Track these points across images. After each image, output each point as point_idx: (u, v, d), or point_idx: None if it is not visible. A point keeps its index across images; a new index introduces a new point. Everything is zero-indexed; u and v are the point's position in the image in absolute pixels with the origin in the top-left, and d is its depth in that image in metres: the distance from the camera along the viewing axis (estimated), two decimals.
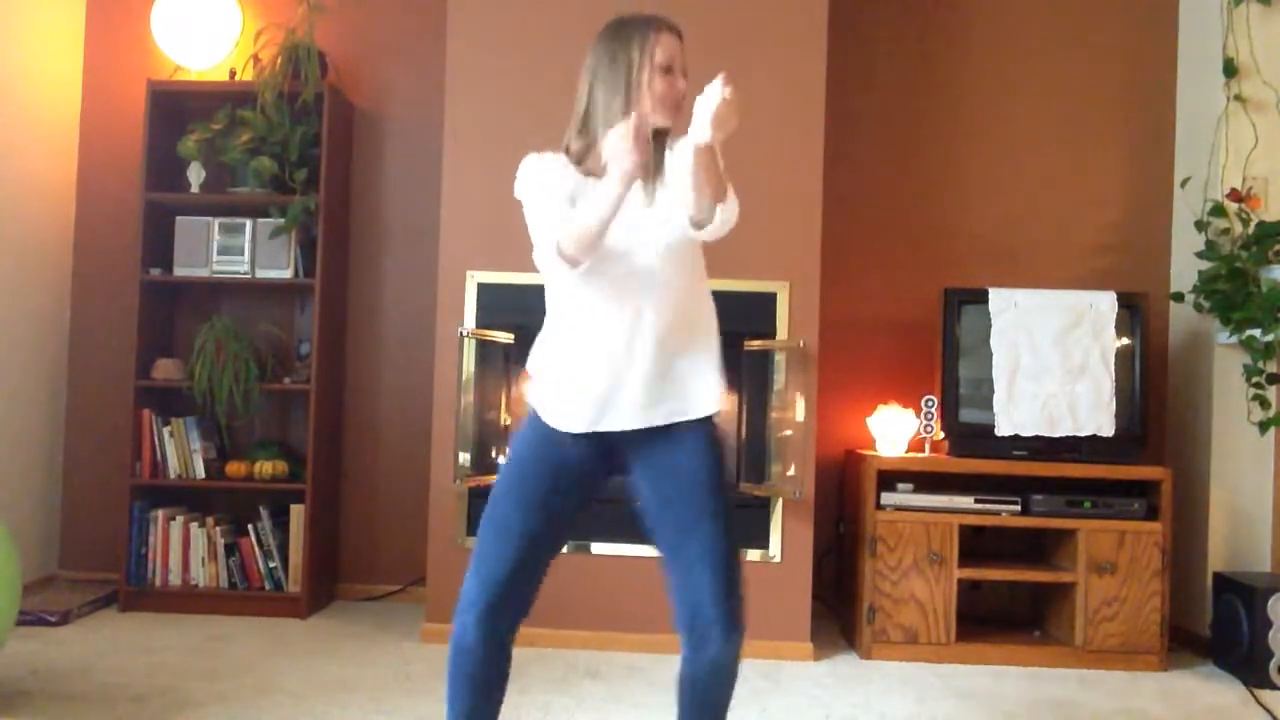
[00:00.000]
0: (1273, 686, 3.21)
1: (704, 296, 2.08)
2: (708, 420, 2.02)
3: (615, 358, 1.96)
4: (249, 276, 3.82)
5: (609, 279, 1.95)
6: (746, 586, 1.97)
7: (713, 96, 1.77)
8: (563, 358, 2.02)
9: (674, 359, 1.99)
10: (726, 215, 1.95)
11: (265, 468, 3.77)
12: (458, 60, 3.50)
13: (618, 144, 1.82)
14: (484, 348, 3.46)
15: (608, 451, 2.01)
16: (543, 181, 1.98)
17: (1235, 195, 3.61)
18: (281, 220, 3.75)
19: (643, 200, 1.98)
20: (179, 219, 3.84)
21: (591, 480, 2.05)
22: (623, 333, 1.96)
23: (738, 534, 2.01)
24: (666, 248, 1.97)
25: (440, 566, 3.44)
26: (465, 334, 3.42)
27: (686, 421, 2.00)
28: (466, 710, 1.99)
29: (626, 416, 1.97)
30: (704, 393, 2.01)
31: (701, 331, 2.04)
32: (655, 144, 1.99)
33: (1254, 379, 3.52)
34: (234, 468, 3.79)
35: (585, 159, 2.01)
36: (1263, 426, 3.54)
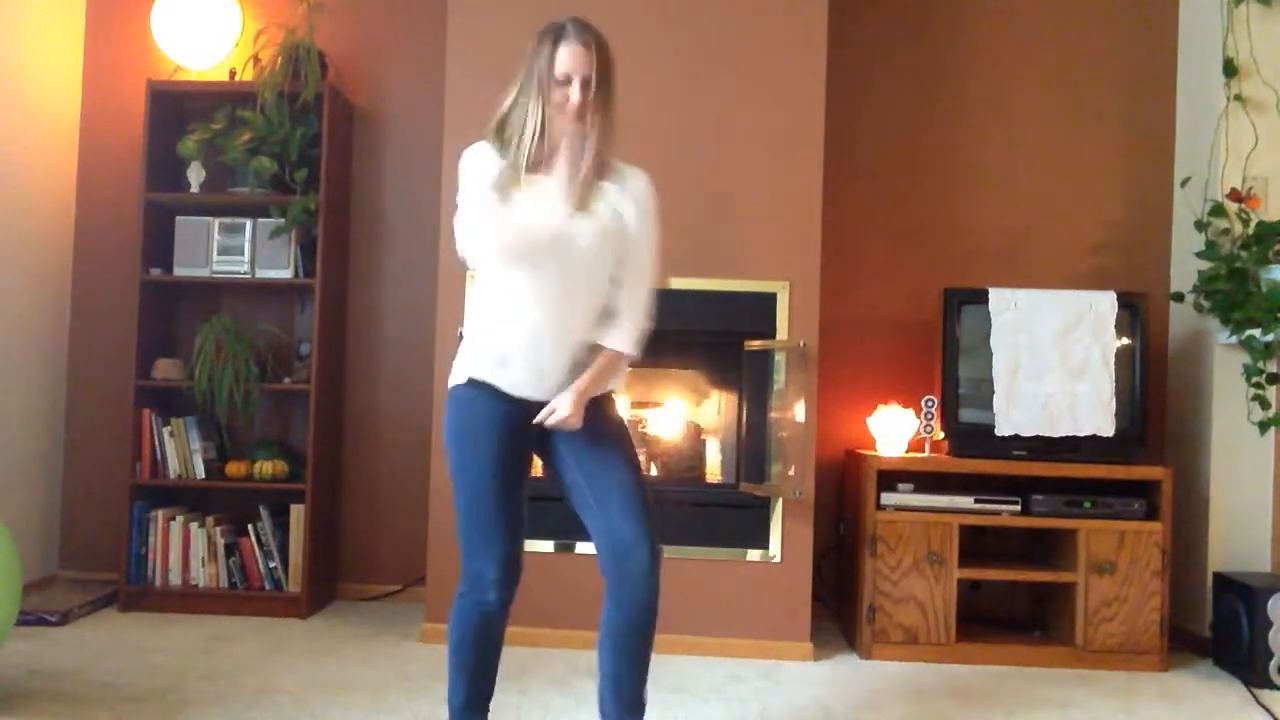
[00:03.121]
0: (1273, 686, 3.21)
1: (599, 306, 2.23)
2: (607, 395, 2.29)
3: (540, 343, 2.16)
4: (249, 276, 3.82)
5: (541, 273, 2.13)
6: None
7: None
8: (494, 334, 2.20)
9: (577, 340, 2.20)
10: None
11: (265, 468, 3.77)
12: (458, 60, 3.50)
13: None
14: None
15: (530, 411, 2.20)
16: (478, 176, 2.15)
17: (1235, 195, 3.61)
18: (281, 220, 3.75)
19: (570, 201, 2.14)
20: (179, 219, 3.84)
21: (524, 433, 2.23)
22: (550, 322, 2.16)
23: (643, 476, 2.26)
24: (595, 254, 2.16)
25: (440, 566, 3.43)
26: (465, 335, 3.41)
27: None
28: (484, 674, 2.25)
29: (551, 391, 2.19)
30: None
31: (590, 330, 2.22)
32: (579, 148, 2.15)
33: (1254, 379, 3.52)
34: (234, 468, 3.79)
35: (506, 153, 2.15)
36: (1263, 426, 3.55)
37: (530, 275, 2.14)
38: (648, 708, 2.26)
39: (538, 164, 2.16)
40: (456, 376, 2.25)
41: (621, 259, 2.21)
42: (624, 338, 2.22)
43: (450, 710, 2.27)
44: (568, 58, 2.10)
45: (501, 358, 2.18)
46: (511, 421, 2.20)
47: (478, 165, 2.16)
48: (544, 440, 2.25)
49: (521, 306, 2.16)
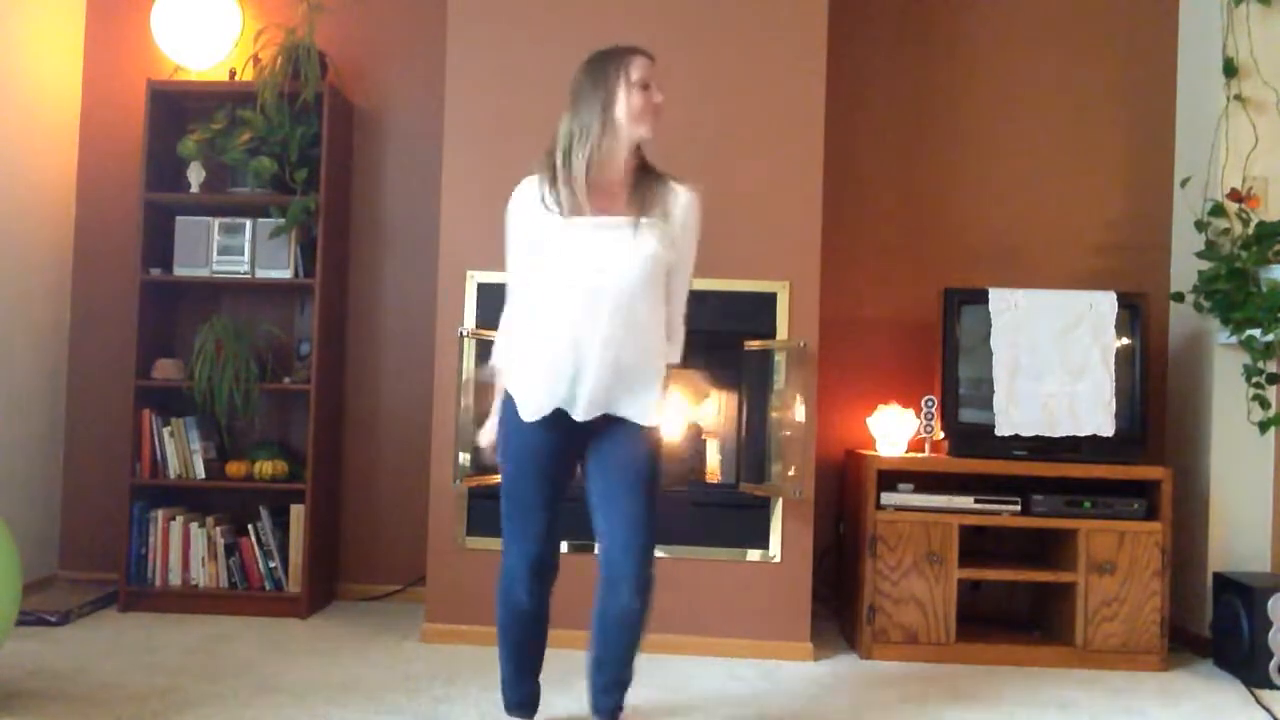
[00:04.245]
0: (1273, 686, 3.21)
1: (659, 326, 2.37)
2: (648, 428, 2.37)
3: (575, 361, 2.28)
4: (249, 276, 3.82)
5: (580, 290, 2.26)
6: (653, 556, 2.38)
7: None
8: (531, 355, 2.34)
9: (625, 370, 2.30)
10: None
11: (265, 468, 3.77)
12: (458, 60, 3.50)
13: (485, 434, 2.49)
14: (484, 348, 3.45)
15: (574, 430, 2.35)
16: (513, 228, 2.36)
17: (1235, 195, 3.61)
18: (281, 220, 3.75)
19: (615, 223, 2.28)
20: (179, 219, 3.84)
21: (569, 451, 2.40)
22: (585, 340, 2.26)
23: (657, 512, 2.38)
24: (638, 276, 2.27)
25: (440, 566, 3.44)
26: (465, 334, 3.42)
27: (632, 421, 2.35)
28: (525, 662, 2.50)
29: (582, 411, 2.31)
30: (646, 406, 2.34)
31: (653, 355, 2.35)
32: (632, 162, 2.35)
33: (1254, 379, 3.52)
34: (234, 468, 3.80)
35: (556, 189, 2.29)
36: (1263, 426, 3.55)
37: (568, 305, 2.29)
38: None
39: (587, 201, 2.28)
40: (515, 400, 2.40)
41: (670, 273, 2.37)
42: (675, 353, 2.44)
43: (501, 680, 2.55)
44: (645, 67, 2.29)
45: (543, 379, 2.32)
46: (555, 443, 2.36)
47: (513, 216, 2.36)
48: (584, 455, 2.41)
49: (559, 332, 2.30)
